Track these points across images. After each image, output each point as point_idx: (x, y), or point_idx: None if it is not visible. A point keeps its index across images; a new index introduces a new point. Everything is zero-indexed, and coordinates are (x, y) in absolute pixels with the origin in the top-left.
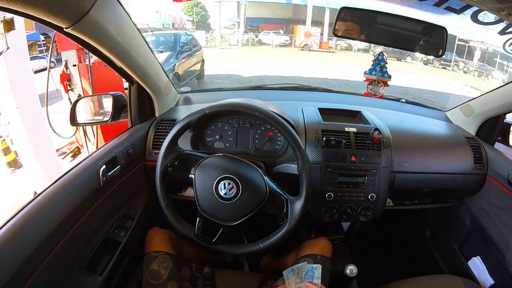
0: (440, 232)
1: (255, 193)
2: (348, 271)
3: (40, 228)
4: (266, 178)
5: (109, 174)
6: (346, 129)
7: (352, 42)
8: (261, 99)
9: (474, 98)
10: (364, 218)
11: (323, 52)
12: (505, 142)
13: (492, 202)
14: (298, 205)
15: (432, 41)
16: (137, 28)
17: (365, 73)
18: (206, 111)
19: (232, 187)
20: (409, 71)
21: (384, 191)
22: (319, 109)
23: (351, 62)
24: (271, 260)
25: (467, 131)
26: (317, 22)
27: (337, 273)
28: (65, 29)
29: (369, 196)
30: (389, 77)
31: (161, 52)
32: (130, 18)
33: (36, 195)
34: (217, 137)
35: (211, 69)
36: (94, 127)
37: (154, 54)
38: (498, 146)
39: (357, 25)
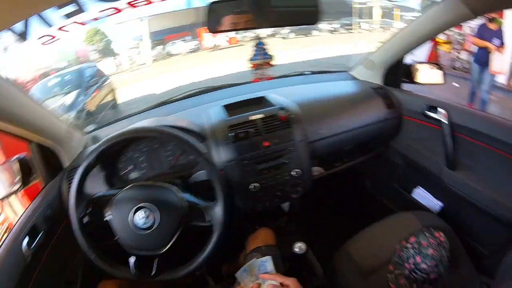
0: (378, 179)
1: (173, 213)
2: (297, 249)
3: None
4: (181, 194)
5: (33, 246)
6: (251, 117)
7: (258, 30)
8: (170, 113)
9: (373, 52)
10: (296, 194)
11: (233, 47)
12: (411, 81)
13: (414, 136)
14: (217, 209)
15: (306, 10)
16: (11, 83)
17: (250, 60)
18: (101, 148)
19: (148, 215)
20: (319, 43)
21: (307, 163)
22: (225, 106)
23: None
24: (231, 264)
25: (373, 82)
26: None
27: (290, 255)
28: None
29: (294, 173)
30: (270, 57)
31: (68, 92)
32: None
33: None
34: (130, 167)
35: (126, 95)
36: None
37: (41, 104)
38: (407, 87)
39: (230, 16)
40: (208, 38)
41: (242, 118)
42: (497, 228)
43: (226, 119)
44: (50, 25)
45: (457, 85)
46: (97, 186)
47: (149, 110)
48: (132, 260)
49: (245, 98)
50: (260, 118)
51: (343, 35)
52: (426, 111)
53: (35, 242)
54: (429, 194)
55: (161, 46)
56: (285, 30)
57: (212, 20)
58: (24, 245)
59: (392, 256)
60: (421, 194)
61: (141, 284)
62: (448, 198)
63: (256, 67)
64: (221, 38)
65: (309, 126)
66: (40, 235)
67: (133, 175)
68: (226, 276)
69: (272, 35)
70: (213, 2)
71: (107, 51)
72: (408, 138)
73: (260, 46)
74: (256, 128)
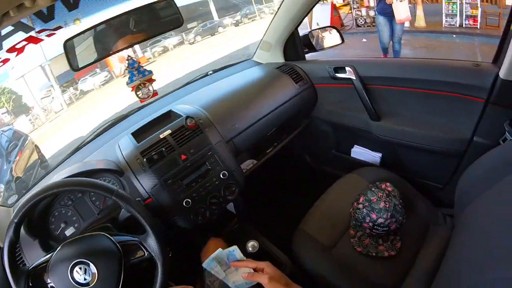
0: (315, 150)
1: (109, 259)
2: (250, 249)
3: None
4: (112, 237)
5: None
6: (161, 135)
7: (165, 42)
8: (87, 156)
9: (265, 34)
10: (232, 196)
11: (146, 66)
12: (312, 49)
13: (330, 100)
14: (150, 241)
15: (168, 17)
16: None
17: (127, 83)
18: (15, 221)
19: (85, 269)
20: (227, 39)
21: (233, 161)
22: (133, 134)
23: (170, 62)
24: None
25: (276, 62)
26: None
27: (247, 256)
28: None
29: (222, 176)
30: (150, 72)
31: None
32: None
33: None
34: (62, 225)
35: (54, 147)
36: None
37: None
38: (311, 55)
39: (91, 47)
40: (117, 65)
41: (151, 140)
42: (441, 161)
43: (136, 146)
44: None
45: (365, 40)
46: (36, 255)
47: (66, 159)
48: None
49: (151, 119)
50: (169, 134)
51: (248, 25)
52: (335, 74)
53: None
54: (365, 149)
55: (72, 87)
56: (190, 35)
57: (73, 58)
58: None
59: (350, 221)
60: (359, 152)
61: None
62: (384, 148)
63: (136, 88)
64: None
65: (223, 125)
66: None
67: (68, 231)
68: None
69: (180, 43)
70: (66, 40)
71: (19, 109)
72: (327, 104)
73: (132, 66)
74: (168, 145)
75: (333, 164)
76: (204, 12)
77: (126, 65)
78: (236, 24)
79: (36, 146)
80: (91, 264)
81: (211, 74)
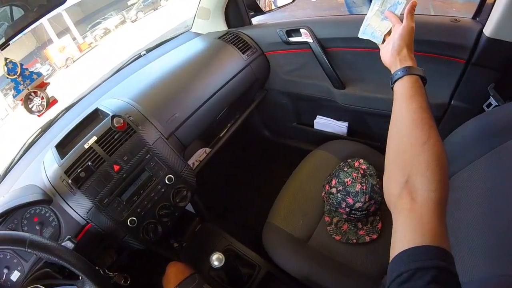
0: (274, 124)
1: None
2: (216, 263)
3: None
4: None
5: None
6: (85, 146)
7: (106, 24)
8: (13, 184)
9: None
10: (185, 201)
11: (88, 53)
12: (259, 11)
13: (286, 69)
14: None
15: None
16: None
17: (14, 96)
18: None
19: None
20: (172, 11)
21: (177, 160)
22: (56, 147)
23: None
24: None
25: (219, 31)
26: (63, 31)
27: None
28: None
29: (167, 181)
30: (40, 75)
31: None
32: None
33: None
34: (5, 271)
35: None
36: None
37: None
38: (259, 19)
39: None
40: (57, 56)
41: (74, 154)
42: None
43: (60, 164)
44: None
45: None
46: None
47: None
48: None
49: (76, 123)
50: (95, 142)
51: (157, 12)
52: (288, 38)
53: None
54: (330, 119)
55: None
56: (131, 13)
57: None
58: None
59: (323, 207)
60: (323, 123)
61: None
62: (351, 116)
63: (26, 100)
64: (70, 50)
65: (160, 117)
66: None
67: (14, 276)
68: None
69: (122, 22)
70: None
71: None
72: (282, 74)
73: (14, 72)
74: (96, 156)
75: (297, 137)
76: None
77: (6, 72)
78: (133, 21)
79: None
80: None
81: (144, 54)
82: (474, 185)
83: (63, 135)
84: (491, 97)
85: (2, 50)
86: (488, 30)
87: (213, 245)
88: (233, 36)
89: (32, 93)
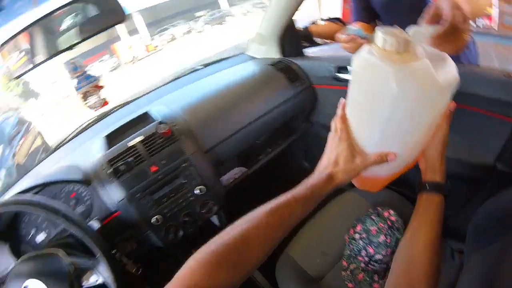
0: (315, 157)
1: (60, 282)
2: None
3: None
4: (67, 258)
5: None
6: (129, 144)
7: (174, 31)
8: (60, 159)
9: (260, 24)
10: (210, 213)
11: (152, 54)
12: (312, 43)
13: (332, 104)
14: (101, 268)
15: (106, 11)
16: None
17: (77, 89)
18: None
19: None
20: (235, 28)
21: (211, 175)
22: (106, 137)
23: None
24: None
25: (272, 57)
26: (133, 31)
27: None
28: None
29: (197, 191)
30: (96, 78)
31: None
32: None
33: None
34: (33, 230)
35: (59, 134)
36: None
37: None
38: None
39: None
40: (124, 52)
41: (119, 148)
42: (456, 184)
43: (105, 154)
44: None
45: None
46: (6, 260)
47: (49, 156)
48: None
49: (126, 121)
50: (139, 142)
51: (257, 15)
52: (337, 74)
53: None
54: None
55: (82, 73)
56: (199, 24)
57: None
58: None
59: (344, 249)
60: None
61: None
62: None
63: (85, 96)
64: (138, 48)
65: (203, 132)
66: None
67: (39, 237)
68: None
69: (188, 31)
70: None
71: (27, 93)
72: (328, 108)
73: (76, 72)
74: (138, 155)
75: None
76: (212, 1)
77: (70, 71)
78: (245, 14)
79: (39, 132)
80: (42, 285)
81: (201, 68)
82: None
83: (113, 129)
84: None
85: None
86: None
87: None
88: (284, 65)
89: (90, 91)
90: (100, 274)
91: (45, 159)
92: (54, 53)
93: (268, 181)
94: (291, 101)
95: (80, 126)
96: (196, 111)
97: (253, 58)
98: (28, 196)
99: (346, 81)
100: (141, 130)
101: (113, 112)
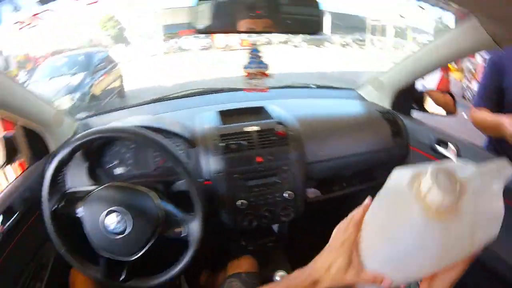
0: None
1: (148, 221)
2: (277, 278)
3: None
4: (158, 201)
5: (6, 225)
6: (246, 129)
7: (272, 36)
8: (165, 111)
9: (383, 72)
10: (286, 218)
11: (245, 49)
12: (421, 109)
13: None
14: (194, 224)
15: (306, 17)
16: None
17: (244, 67)
18: (74, 145)
19: (120, 220)
20: (329, 56)
21: (302, 185)
22: (220, 112)
23: (269, 55)
24: (210, 275)
25: (381, 105)
26: None
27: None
28: None
29: (286, 195)
30: (266, 66)
31: (75, 73)
32: None
33: None
34: (116, 162)
35: (134, 83)
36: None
37: (26, 88)
38: (416, 114)
39: (230, 16)
40: (220, 38)
41: (236, 128)
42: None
43: (219, 127)
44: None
45: (466, 116)
46: (79, 178)
47: (145, 104)
48: (102, 261)
49: (243, 107)
50: (255, 131)
51: (354, 50)
52: (436, 145)
53: (8, 223)
54: None
55: (174, 40)
56: (298, 38)
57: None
58: None
59: None
60: None
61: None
62: None
63: (250, 75)
64: (234, 39)
65: (309, 146)
66: (15, 216)
67: (118, 170)
68: (203, 286)
69: (285, 42)
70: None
71: (119, 38)
72: None
73: (254, 53)
74: (250, 141)
75: None
76: None
77: (250, 51)
78: (344, 45)
79: (120, 76)
80: (128, 218)
81: (312, 87)
82: None
83: (228, 108)
84: None
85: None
86: None
87: (274, 265)
88: (392, 117)
89: (257, 74)
90: (189, 230)
91: (144, 104)
92: (231, 30)
93: (331, 213)
94: (387, 152)
95: (185, 91)
96: (310, 126)
97: (362, 97)
98: (160, 138)
99: (441, 156)
100: (259, 121)
101: (222, 92)
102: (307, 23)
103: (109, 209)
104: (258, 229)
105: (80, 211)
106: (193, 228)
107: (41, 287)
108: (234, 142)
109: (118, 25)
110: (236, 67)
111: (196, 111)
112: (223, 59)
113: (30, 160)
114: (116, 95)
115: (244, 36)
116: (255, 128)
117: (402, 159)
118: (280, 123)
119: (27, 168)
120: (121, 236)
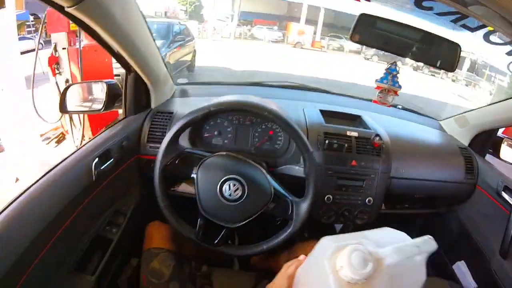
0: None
1: (260, 195)
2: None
3: (30, 226)
4: (270, 178)
5: (102, 168)
6: (348, 133)
7: (345, 43)
8: (260, 96)
9: (470, 111)
10: (361, 221)
11: (315, 50)
12: (496, 154)
13: (481, 211)
14: (304, 207)
15: (444, 56)
16: (142, 14)
17: (376, 80)
18: (211, 109)
19: (237, 188)
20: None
21: (381, 195)
22: (321, 111)
23: (343, 63)
24: (263, 258)
25: (460, 141)
26: (311, 21)
27: None
28: (66, 9)
29: (367, 200)
30: (400, 87)
31: (155, 40)
32: (136, 2)
33: (25, 189)
34: (215, 133)
35: (202, 61)
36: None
37: (155, 43)
38: (489, 158)
39: (374, 32)
40: (294, 34)
41: (339, 130)
42: None
43: (323, 125)
44: None
45: None
46: (182, 142)
47: (240, 85)
48: (201, 222)
49: (343, 111)
50: (355, 136)
51: (425, 75)
52: (502, 191)
53: (103, 166)
54: (468, 271)
55: (247, 27)
56: (370, 51)
57: (358, 30)
58: (93, 164)
59: None
60: (461, 269)
61: (185, 243)
62: (485, 282)
63: (381, 90)
64: (306, 38)
65: (394, 161)
66: (110, 162)
67: (216, 141)
68: (254, 266)
69: (357, 52)
70: (364, 14)
71: (195, 15)
72: (473, 210)
73: (391, 72)
74: (349, 145)
75: (432, 259)
76: None
77: (387, 67)
78: (415, 68)
79: (194, 50)
80: (245, 189)
81: (399, 108)
82: None
83: (329, 109)
84: None
85: None
86: None
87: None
88: (469, 155)
89: (387, 91)
90: (296, 211)
91: (241, 85)
92: (381, 47)
93: (382, 225)
94: (456, 186)
95: (281, 82)
96: (399, 144)
97: (443, 130)
98: (291, 121)
99: (504, 201)
100: (358, 128)
101: (321, 92)
102: (444, 60)
103: (228, 176)
104: (323, 225)
105: (194, 173)
106: (302, 210)
107: (117, 232)
108: (337, 142)
109: (196, 2)
110: (304, 65)
111: (295, 104)
112: (291, 55)
113: (129, 111)
114: (186, 68)
115: (317, 37)
116: (355, 134)
117: (467, 196)
118: (377, 135)
119: (123, 118)
120: (234, 203)
